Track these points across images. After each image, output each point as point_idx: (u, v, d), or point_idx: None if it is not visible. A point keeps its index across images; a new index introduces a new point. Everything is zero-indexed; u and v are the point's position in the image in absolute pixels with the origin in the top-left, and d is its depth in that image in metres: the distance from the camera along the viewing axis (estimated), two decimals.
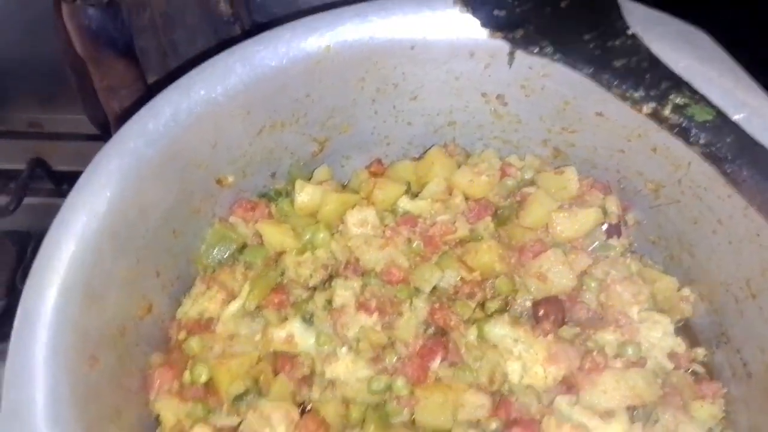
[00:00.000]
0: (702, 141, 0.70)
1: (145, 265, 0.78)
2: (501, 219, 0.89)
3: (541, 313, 0.81)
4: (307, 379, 0.80)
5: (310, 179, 0.93)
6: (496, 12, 0.79)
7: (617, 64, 0.74)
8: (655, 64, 0.73)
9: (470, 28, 0.80)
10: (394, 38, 0.80)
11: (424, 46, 0.81)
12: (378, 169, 0.96)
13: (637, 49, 0.74)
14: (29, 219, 1.14)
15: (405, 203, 0.89)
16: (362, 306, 0.80)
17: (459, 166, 0.93)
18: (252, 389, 0.79)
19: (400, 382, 0.77)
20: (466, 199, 0.90)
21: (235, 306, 0.82)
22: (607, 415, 0.73)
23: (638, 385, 0.75)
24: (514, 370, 0.77)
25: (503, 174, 0.93)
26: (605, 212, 0.89)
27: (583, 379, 0.75)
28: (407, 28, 0.80)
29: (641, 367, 0.78)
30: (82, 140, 1.28)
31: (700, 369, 0.84)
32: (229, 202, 0.89)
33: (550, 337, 0.77)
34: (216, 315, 0.82)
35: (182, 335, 0.82)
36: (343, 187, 0.95)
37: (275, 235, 0.87)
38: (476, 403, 0.76)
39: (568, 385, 0.76)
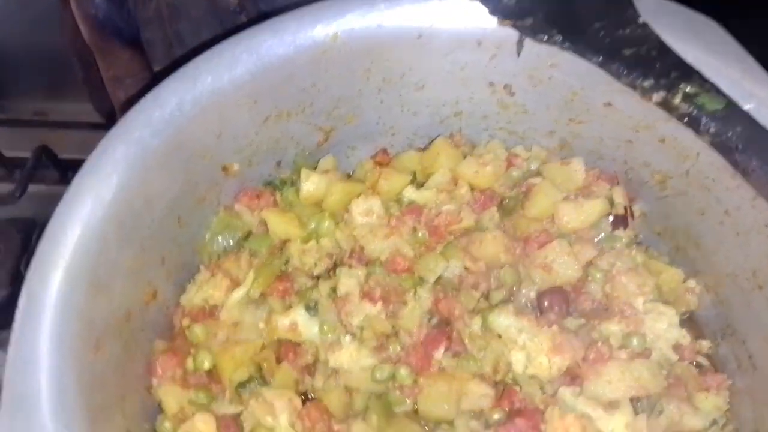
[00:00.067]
0: (712, 130, 0.70)
1: (151, 253, 0.78)
2: (506, 209, 0.89)
3: (545, 303, 0.81)
4: (311, 368, 0.80)
5: (315, 169, 0.92)
6: (504, 0, 0.78)
7: (627, 52, 0.73)
8: (665, 52, 0.73)
9: (478, 16, 0.79)
10: (402, 26, 0.80)
11: (431, 34, 0.81)
12: (383, 160, 0.95)
13: (647, 37, 0.74)
14: (34, 207, 1.14)
15: (410, 193, 0.89)
16: (366, 295, 0.79)
17: (464, 157, 0.92)
18: (255, 377, 0.79)
19: (403, 372, 0.77)
20: (472, 189, 0.89)
21: (239, 293, 0.82)
22: (611, 405, 0.73)
23: (643, 376, 0.75)
24: (518, 360, 0.76)
25: (509, 164, 0.92)
26: (611, 203, 0.88)
27: (587, 370, 0.75)
28: (415, 16, 0.79)
29: (646, 359, 0.77)
30: (88, 129, 1.28)
31: (704, 361, 0.84)
32: (234, 191, 0.89)
33: (555, 327, 0.76)
34: (220, 302, 0.82)
35: (186, 322, 0.82)
36: (348, 177, 0.95)
37: (280, 224, 0.87)
38: (480, 393, 0.76)
39: (573, 376, 0.76)
